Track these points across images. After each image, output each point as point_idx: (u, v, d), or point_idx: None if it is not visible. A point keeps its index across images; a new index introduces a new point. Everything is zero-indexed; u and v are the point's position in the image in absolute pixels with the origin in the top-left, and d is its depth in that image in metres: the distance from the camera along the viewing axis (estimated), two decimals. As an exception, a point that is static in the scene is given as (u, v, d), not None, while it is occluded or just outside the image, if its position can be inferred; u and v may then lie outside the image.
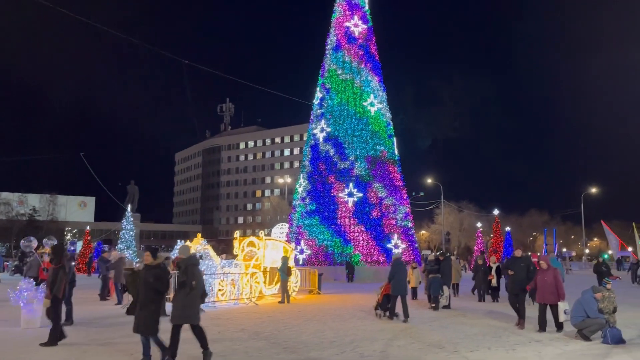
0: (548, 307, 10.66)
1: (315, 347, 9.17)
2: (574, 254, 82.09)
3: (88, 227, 45.59)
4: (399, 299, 12.94)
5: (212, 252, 16.31)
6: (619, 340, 9.10)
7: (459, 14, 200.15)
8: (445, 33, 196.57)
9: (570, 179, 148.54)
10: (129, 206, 45.49)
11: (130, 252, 40.64)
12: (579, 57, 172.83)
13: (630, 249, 60.75)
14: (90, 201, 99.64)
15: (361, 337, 10.30)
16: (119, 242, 42.83)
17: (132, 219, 43.41)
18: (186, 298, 7.25)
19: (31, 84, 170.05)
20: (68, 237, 79.13)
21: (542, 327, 10.70)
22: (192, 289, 7.25)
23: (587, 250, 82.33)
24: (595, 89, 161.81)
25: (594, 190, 65.69)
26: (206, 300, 15.88)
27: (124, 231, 42.35)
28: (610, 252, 68.06)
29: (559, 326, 10.64)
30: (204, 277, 15.62)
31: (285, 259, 17.74)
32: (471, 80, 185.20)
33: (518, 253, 12.28)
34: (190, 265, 7.39)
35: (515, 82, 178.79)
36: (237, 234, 18.85)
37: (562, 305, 10.35)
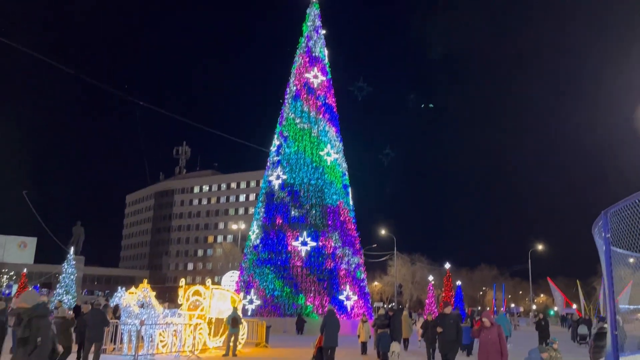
0: None
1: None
2: (521, 309, 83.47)
3: (25, 270, 42.91)
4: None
5: (154, 301, 15.50)
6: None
7: (416, 75, 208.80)
8: (398, 94, 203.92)
9: (519, 234, 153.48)
10: (72, 248, 43.33)
11: (70, 297, 38.47)
12: (530, 116, 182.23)
13: (574, 306, 62.38)
14: (32, 242, 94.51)
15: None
16: (57, 286, 40.52)
17: (74, 262, 41.28)
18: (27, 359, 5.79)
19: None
20: (4, 280, 74.39)
21: None
22: (37, 347, 5.81)
23: (534, 306, 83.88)
24: (543, 149, 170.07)
25: (540, 247, 67.66)
26: (146, 351, 14.97)
27: (64, 275, 40.14)
28: (556, 308, 69.64)
29: None
30: (145, 326, 14.77)
31: (235, 311, 17.09)
32: (422, 137, 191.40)
33: (447, 310, 11.77)
34: (35, 318, 5.86)
35: (467, 139, 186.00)
36: (182, 282, 18.06)
37: None
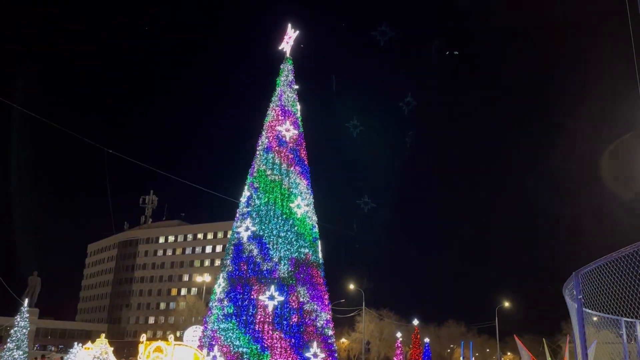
0: None
1: None
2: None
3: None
4: None
5: (112, 357, 14.74)
6: None
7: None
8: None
9: (487, 290, 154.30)
10: (27, 300, 41.20)
11: (21, 352, 36.23)
12: (498, 171, 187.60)
13: (541, 364, 62.26)
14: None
15: None
16: (8, 340, 38.19)
17: (27, 315, 39.14)
18: None
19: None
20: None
21: None
22: None
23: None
24: (508, 202, 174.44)
25: (507, 304, 68.06)
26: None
27: (16, 328, 37.90)
28: (523, 366, 69.36)
29: None
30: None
31: None
32: (389, 192, 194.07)
33: None
34: None
35: (434, 195, 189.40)
36: (143, 337, 17.33)
37: None
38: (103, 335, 16.28)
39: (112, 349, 16.03)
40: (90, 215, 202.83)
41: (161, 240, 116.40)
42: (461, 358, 65.39)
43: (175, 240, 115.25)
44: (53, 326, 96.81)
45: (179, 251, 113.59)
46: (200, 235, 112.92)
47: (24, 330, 38.26)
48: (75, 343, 14.62)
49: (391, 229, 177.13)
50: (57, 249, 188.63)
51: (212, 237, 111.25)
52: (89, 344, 15.43)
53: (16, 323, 38.30)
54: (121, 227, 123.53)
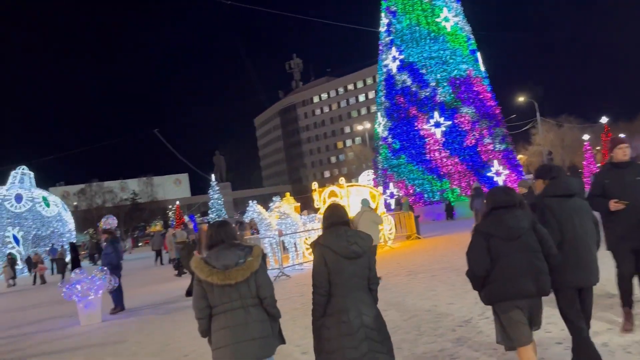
0: None
1: (433, 319, 6.94)
2: (702, 153, 72.80)
3: (178, 202, 46.55)
4: None
5: (290, 210, 14.53)
6: None
7: None
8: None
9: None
10: (213, 176, 45.47)
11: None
12: None
13: None
14: (185, 178, 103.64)
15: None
16: (209, 212, 43.19)
17: (217, 189, 43.51)
18: None
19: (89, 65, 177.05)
20: (170, 214, 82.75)
21: None
22: None
23: None
24: None
25: None
26: (292, 262, 14.27)
27: (212, 201, 42.67)
28: None
29: None
30: (285, 237, 13.86)
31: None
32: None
33: (623, 154, 5.16)
34: None
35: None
36: (315, 185, 16.90)
37: None
38: (288, 194, 16.65)
39: (295, 204, 16.20)
40: (248, 92, 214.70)
41: (315, 100, 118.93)
42: (665, 149, 57.79)
43: (329, 96, 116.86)
44: (248, 195, 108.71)
45: (334, 106, 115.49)
46: (350, 86, 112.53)
47: (220, 201, 42.84)
48: (250, 201, 14.58)
49: (555, 22, 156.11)
50: (230, 130, 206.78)
51: (362, 85, 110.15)
52: (275, 204, 15.59)
53: (210, 196, 42.92)
54: (276, 96, 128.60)
